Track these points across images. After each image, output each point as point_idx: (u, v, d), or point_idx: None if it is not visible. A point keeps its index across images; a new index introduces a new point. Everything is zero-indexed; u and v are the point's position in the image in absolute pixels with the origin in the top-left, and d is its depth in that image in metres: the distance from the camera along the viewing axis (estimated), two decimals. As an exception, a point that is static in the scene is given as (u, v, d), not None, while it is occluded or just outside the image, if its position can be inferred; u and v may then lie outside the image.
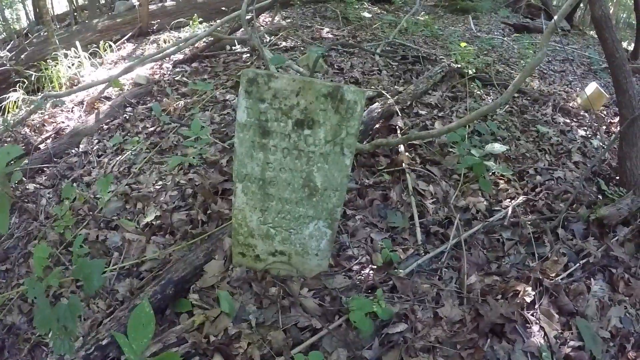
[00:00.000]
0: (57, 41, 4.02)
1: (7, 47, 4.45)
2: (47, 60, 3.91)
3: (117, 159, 2.71)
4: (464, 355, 1.66)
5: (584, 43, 5.82)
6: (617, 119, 3.62)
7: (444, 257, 2.03)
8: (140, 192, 2.32)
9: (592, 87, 3.54)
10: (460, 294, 1.90)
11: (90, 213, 2.25)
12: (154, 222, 2.10)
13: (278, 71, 2.91)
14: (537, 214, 2.43)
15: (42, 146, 3.15)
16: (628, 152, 2.45)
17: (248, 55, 3.69)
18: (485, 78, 3.54)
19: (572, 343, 1.83)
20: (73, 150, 2.99)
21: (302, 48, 3.79)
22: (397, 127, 2.78)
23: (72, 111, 3.46)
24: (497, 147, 2.37)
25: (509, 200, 2.47)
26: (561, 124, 3.26)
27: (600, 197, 2.64)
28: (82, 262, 1.45)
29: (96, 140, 3.03)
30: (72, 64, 3.95)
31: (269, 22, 4.40)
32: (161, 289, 1.70)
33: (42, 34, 4.53)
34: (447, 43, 4.40)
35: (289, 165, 1.53)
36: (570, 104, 3.54)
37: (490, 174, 2.56)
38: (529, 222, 2.33)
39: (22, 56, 4.23)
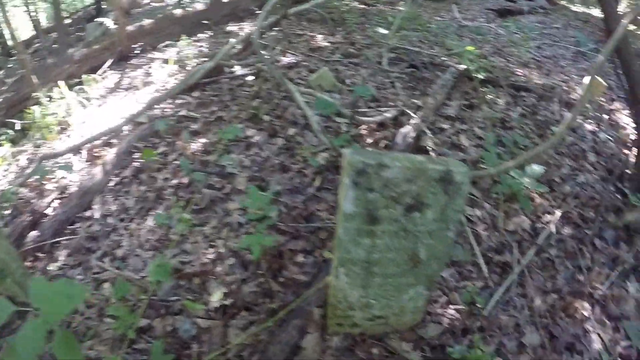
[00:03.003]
0: (36, 79, 3.76)
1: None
2: (29, 103, 3.64)
3: (147, 223, 2.60)
4: (549, 375, 1.95)
5: (564, 20, 6.15)
6: (615, 105, 3.97)
7: (512, 287, 2.27)
8: (194, 266, 2.25)
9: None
10: (533, 319, 2.16)
11: (143, 298, 2.12)
12: (225, 302, 2.07)
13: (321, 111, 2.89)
14: (572, 226, 2.71)
15: (48, 211, 2.88)
16: (646, 159, 2.77)
17: (253, 78, 3.65)
18: (492, 79, 3.74)
19: (622, 343, 2.19)
20: (87, 214, 2.78)
21: (304, 63, 3.79)
22: (428, 147, 2.93)
23: (71, 162, 3.28)
24: (537, 170, 2.59)
25: (547, 214, 2.73)
26: (569, 120, 3.54)
27: (619, 197, 2.97)
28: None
29: (111, 198, 2.84)
30: (59, 106, 3.73)
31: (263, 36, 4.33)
32: (265, 378, 1.76)
33: (15, 71, 4.20)
34: (440, 38, 4.54)
35: (396, 245, 1.64)
36: (572, 96, 3.83)
37: (525, 188, 2.79)
38: (569, 236, 2.61)
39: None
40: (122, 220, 2.71)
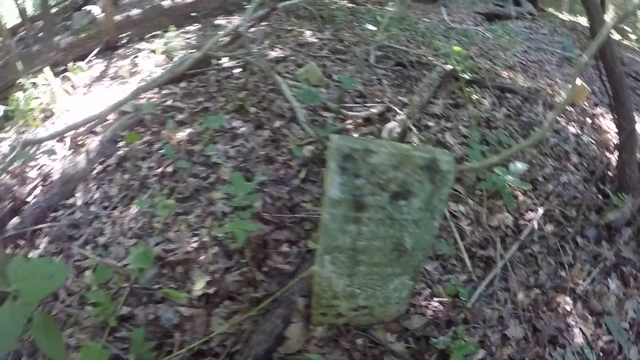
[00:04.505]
0: (21, 65, 3.68)
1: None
2: (12, 90, 3.57)
3: (131, 211, 2.56)
4: (533, 366, 2.00)
5: (551, 26, 6.30)
6: (598, 110, 4.08)
7: (495, 280, 2.30)
8: (177, 254, 2.22)
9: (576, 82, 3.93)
10: (516, 312, 2.20)
11: (125, 285, 2.11)
12: (208, 291, 2.05)
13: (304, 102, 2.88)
14: (555, 223, 2.77)
15: (30, 199, 2.87)
16: (627, 159, 2.86)
17: (240, 70, 3.64)
18: (478, 80, 3.81)
19: (604, 338, 2.25)
20: (69, 201, 2.76)
21: (292, 58, 3.80)
22: (413, 144, 2.97)
23: (54, 148, 3.23)
24: (520, 167, 2.64)
25: (530, 211, 2.79)
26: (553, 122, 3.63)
27: (600, 197, 3.05)
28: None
29: (94, 186, 2.81)
30: (43, 93, 3.66)
31: (251, 30, 4.33)
32: (249, 367, 1.75)
33: None
34: (428, 39, 4.61)
35: (382, 233, 1.65)
36: (556, 99, 3.92)
37: (508, 186, 2.85)
38: (552, 233, 2.67)
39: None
40: (105, 208, 2.68)
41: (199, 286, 2.10)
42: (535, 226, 2.65)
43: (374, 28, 4.18)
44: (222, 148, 2.88)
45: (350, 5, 5.46)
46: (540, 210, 2.76)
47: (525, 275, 2.42)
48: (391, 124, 2.96)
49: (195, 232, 2.37)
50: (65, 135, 3.22)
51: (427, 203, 1.61)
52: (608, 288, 2.52)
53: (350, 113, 3.01)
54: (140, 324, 1.97)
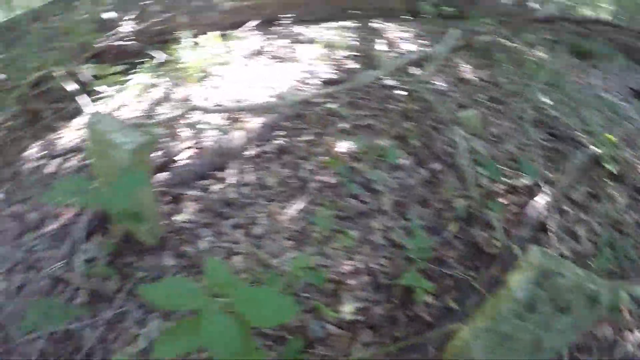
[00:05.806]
0: (182, 19, 4.31)
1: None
2: (169, 39, 4.18)
3: (288, 210, 2.90)
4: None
5: None
6: None
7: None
8: (332, 273, 2.55)
9: None
10: None
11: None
12: (357, 317, 2.40)
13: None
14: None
15: (179, 157, 3.19)
16: None
17: (405, 94, 4.13)
18: (619, 173, 4.19)
19: None
20: (219, 174, 3.03)
21: (451, 94, 4.23)
22: (550, 227, 3.45)
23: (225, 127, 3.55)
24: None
25: (629, 331, 3.29)
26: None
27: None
28: None
29: (250, 169, 3.10)
30: (204, 51, 4.25)
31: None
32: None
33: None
34: (576, 105, 4.94)
35: (532, 331, 2.25)
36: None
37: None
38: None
39: (140, 27, 4.46)
40: (260, 196, 2.98)
41: (348, 309, 2.46)
42: (630, 348, 3.20)
43: (549, 102, 4.53)
44: (383, 175, 3.33)
45: (504, 40, 5.75)
46: (638, 334, 3.29)
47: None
48: (538, 203, 3.47)
49: (350, 255, 2.73)
50: (235, 113, 3.71)
51: (577, 321, 2.24)
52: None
53: (502, 178, 3.54)
54: (288, 327, 2.29)
